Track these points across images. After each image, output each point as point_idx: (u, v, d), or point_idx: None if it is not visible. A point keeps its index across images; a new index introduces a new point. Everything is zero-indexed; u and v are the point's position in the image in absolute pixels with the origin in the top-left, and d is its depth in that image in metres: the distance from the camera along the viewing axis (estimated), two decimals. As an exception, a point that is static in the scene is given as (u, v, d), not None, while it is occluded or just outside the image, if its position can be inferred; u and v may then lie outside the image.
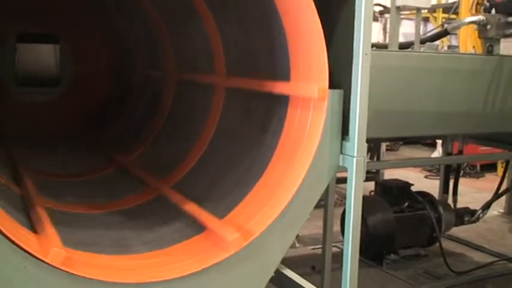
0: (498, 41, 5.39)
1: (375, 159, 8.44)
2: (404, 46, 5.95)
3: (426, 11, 14.06)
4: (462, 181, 10.28)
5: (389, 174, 8.83)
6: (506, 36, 5.40)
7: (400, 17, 13.85)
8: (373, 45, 6.00)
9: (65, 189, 4.24)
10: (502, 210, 8.26)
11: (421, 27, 14.48)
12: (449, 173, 6.52)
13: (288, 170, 3.00)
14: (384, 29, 13.91)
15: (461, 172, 10.57)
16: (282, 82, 3.24)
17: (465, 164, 10.54)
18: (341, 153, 3.19)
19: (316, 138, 2.94)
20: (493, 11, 5.39)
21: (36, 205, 3.04)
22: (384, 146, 8.53)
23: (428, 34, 6.04)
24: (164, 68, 5.21)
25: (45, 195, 3.57)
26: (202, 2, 3.88)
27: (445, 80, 5.00)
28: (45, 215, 2.81)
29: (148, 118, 5.36)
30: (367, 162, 6.32)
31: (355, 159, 3.10)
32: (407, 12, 12.83)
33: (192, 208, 3.30)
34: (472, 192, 9.24)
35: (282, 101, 3.24)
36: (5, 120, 6.43)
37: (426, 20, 14.09)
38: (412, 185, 5.89)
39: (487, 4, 5.47)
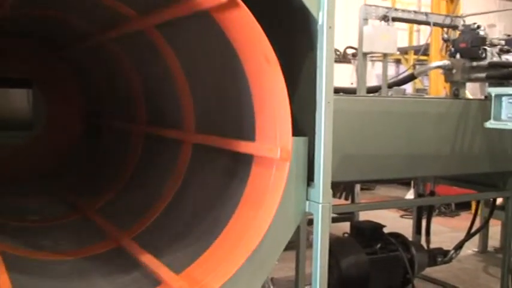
0: (464, 84, 5.55)
1: (350, 199, 8.49)
2: (373, 90, 6.07)
3: (398, 53, 14.39)
4: (437, 220, 10.41)
5: (365, 214, 8.87)
6: (471, 80, 5.55)
7: (373, 59, 14.21)
8: (342, 90, 6.18)
9: (26, 234, 4.21)
10: (476, 249, 8.31)
11: (393, 68, 14.82)
12: (422, 213, 6.58)
13: (253, 217, 3.02)
14: (357, 70, 14.17)
15: (436, 211, 10.72)
16: (247, 142, 3.29)
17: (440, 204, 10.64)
18: (307, 199, 3.23)
19: (279, 192, 2.98)
20: (458, 55, 5.56)
21: None
22: (358, 186, 8.58)
23: (396, 79, 6.17)
24: (135, 120, 5.25)
25: (3, 239, 3.53)
26: (176, 62, 3.95)
27: (413, 123, 5.10)
28: (0, 261, 2.79)
29: (116, 167, 5.36)
30: (340, 205, 6.38)
31: (320, 205, 3.14)
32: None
33: (150, 261, 3.29)
34: (447, 231, 9.30)
35: (247, 158, 3.29)
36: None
37: (398, 61, 14.39)
38: (385, 226, 5.91)
39: (452, 49, 5.64)
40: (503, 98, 3.56)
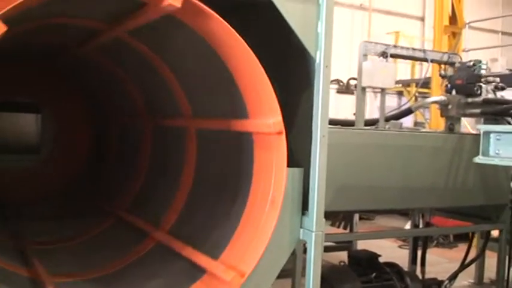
0: (459, 119, 5.73)
1: (348, 229, 8.61)
2: (371, 123, 6.26)
3: (400, 85, 14.63)
4: (435, 251, 10.49)
5: (363, 243, 8.98)
6: (466, 115, 5.74)
7: (376, 90, 14.42)
8: (341, 123, 6.36)
9: (69, 256, 4.42)
10: (472, 281, 8.38)
11: (396, 100, 15.04)
12: (418, 244, 6.71)
13: (252, 239, 3.22)
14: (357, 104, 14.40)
15: (435, 242, 10.81)
16: (243, 120, 3.48)
17: (438, 235, 10.73)
18: (301, 227, 3.39)
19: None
20: (454, 91, 5.76)
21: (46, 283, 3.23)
22: (357, 216, 8.71)
23: (393, 112, 6.37)
24: (140, 118, 5.47)
25: (50, 269, 3.71)
26: (177, 86, 4.17)
27: (409, 156, 5.28)
28: None
29: (130, 170, 5.56)
30: (337, 234, 6.51)
31: (313, 233, 3.30)
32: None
33: (190, 252, 3.53)
34: (444, 262, 9.37)
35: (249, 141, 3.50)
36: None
37: (400, 93, 14.63)
38: (380, 256, 6.04)
39: (449, 85, 5.84)
40: (491, 135, 3.73)
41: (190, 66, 3.93)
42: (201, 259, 3.46)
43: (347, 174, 5.06)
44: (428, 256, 7.03)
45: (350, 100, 14.66)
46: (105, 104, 6.64)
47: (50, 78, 6.83)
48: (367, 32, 15.34)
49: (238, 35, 3.06)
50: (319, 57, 3.30)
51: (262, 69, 3.12)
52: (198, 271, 3.45)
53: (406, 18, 15.73)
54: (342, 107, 13.28)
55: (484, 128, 3.85)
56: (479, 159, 3.80)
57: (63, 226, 5.41)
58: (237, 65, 3.25)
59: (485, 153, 3.77)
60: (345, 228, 8.92)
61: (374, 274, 5.84)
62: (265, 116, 3.24)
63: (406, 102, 12.18)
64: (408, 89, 13.95)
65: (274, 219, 3.21)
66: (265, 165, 3.35)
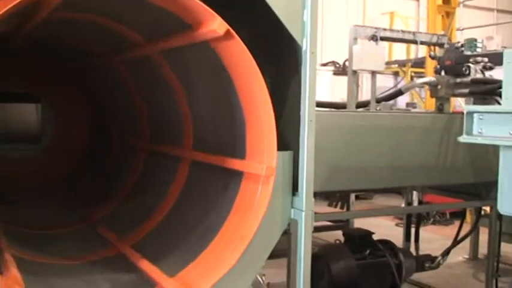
0: (448, 99, 5.87)
1: (345, 208, 8.80)
2: (362, 105, 6.41)
3: (396, 65, 14.74)
4: (431, 229, 10.71)
5: (361, 222, 9.17)
6: (455, 95, 5.89)
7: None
8: (333, 105, 6.51)
9: (36, 241, 4.56)
10: (466, 256, 8.61)
11: (392, 80, 15.14)
12: (411, 221, 6.89)
13: (242, 224, 3.36)
14: (356, 82, 14.50)
15: (431, 220, 11.02)
16: (239, 160, 3.63)
17: (435, 212, 10.93)
18: (292, 207, 3.57)
19: (265, 203, 3.32)
20: (443, 72, 5.90)
21: (4, 251, 3.36)
22: (353, 195, 8.90)
23: (384, 94, 6.51)
24: (139, 136, 5.61)
25: (14, 244, 3.87)
26: (178, 84, 4.31)
27: (399, 136, 5.43)
28: (12, 260, 3.14)
29: (120, 179, 5.70)
30: (333, 213, 6.68)
31: (303, 212, 3.49)
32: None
33: (146, 266, 3.63)
34: (439, 239, 9.58)
35: (238, 173, 3.63)
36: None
37: (396, 74, 14.75)
38: (374, 233, 6.23)
39: (438, 66, 5.98)
40: (475, 115, 3.87)
41: (204, 95, 4.09)
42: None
43: (339, 156, 5.22)
44: (424, 233, 7.24)
45: (346, 82, 14.80)
46: (105, 99, 6.78)
47: (50, 68, 6.97)
48: (362, 14, 15.43)
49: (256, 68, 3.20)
50: (305, 45, 3.44)
51: (272, 115, 3.28)
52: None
53: (400, -1, 15.86)
54: (339, 88, 13.38)
55: (467, 108, 3.99)
56: (463, 138, 3.94)
57: (45, 216, 5.58)
58: (249, 106, 3.40)
59: (469, 133, 3.90)
60: (341, 207, 9.10)
61: (368, 251, 6.04)
62: (260, 158, 3.39)
63: (399, 82, 12.33)
64: (404, 69, 14.07)
65: (267, 198, 3.36)
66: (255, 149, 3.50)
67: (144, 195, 5.10)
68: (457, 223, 11.08)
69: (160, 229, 4.29)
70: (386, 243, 6.28)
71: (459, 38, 12.91)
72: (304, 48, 3.45)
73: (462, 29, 13.75)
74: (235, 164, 3.63)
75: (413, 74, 13.83)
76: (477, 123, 3.89)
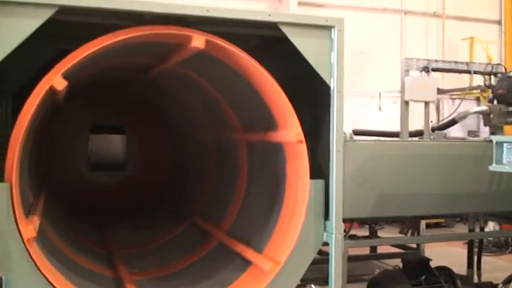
0: (501, 128, 5.98)
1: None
2: (417, 134, 6.62)
3: (479, 90, 14.53)
4: (506, 257, 10.46)
5: (435, 250, 9.19)
6: (507, 123, 5.99)
7: (453, 96, 14.42)
8: (388, 134, 6.77)
9: (148, 257, 5.32)
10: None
11: (474, 105, 14.92)
12: (473, 248, 6.95)
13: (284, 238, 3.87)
14: (437, 108, 14.42)
15: (510, 248, 10.77)
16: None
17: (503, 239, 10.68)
18: (325, 230, 3.93)
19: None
20: (496, 101, 6.03)
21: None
22: (423, 223, 8.96)
23: (439, 124, 6.68)
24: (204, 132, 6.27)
25: (131, 267, 4.60)
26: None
27: (450, 164, 5.61)
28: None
29: (200, 181, 6.36)
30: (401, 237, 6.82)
31: (333, 235, 3.83)
32: (459, 92, 13.43)
33: (241, 248, 4.28)
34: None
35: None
36: (79, 200, 7.51)
37: (477, 99, 14.55)
38: (431, 260, 6.36)
39: (491, 95, 6.11)
40: (504, 144, 4.07)
41: (233, 90, 4.60)
42: (249, 253, 4.14)
43: (389, 183, 5.46)
44: (499, 262, 7.15)
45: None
46: (179, 123, 7.43)
47: (131, 103, 7.71)
48: (441, 39, 15.37)
49: (257, 65, 3.69)
50: (333, 84, 3.83)
51: (280, 90, 3.78)
52: (246, 263, 4.13)
53: (481, 23, 15.60)
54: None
55: (495, 138, 4.19)
56: (493, 167, 4.14)
57: (146, 232, 6.27)
58: (262, 88, 3.90)
59: (498, 162, 4.10)
60: (412, 234, 9.19)
61: (424, 277, 6.20)
62: (288, 127, 3.87)
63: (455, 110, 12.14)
64: (484, 94, 13.85)
65: (300, 222, 3.79)
66: (294, 175, 3.95)
67: (222, 187, 5.69)
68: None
69: (241, 216, 4.97)
70: (444, 270, 6.40)
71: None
72: (331, 87, 3.84)
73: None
74: (273, 136, 4.16)
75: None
76: (507, 153, 4.08)
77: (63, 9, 3.38)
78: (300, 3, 13.52)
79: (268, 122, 4.12)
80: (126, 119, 7.97)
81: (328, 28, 3.83)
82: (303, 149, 3.80)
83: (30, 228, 3.35)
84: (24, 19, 3.28)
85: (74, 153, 7.72)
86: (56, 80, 3.35)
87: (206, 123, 6.01)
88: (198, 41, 3.57)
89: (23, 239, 3.35)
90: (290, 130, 3.83)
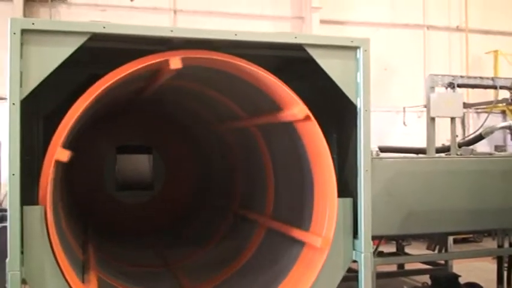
0: (527, 143, 5.95)
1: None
2: (444, 150, 6.60)
3: (504, 104, 14.40)
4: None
5: (462, 266, 9.09)
6: (534, 139, 5.95)
7: (478, 110, 14.29)
8: (414, 150, 6.75)
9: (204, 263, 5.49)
10: None
11: (500, 119, 14.79)
12: (503, 263, 6.87)
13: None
14: (462, 122, 14.34)
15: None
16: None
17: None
18: (353, 249, 3.95)
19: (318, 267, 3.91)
20: (522, 116, 5.99)
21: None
22: (451, 238, 8.88)
23: (466, 139, 6.65)
24: (230, 196, 6.35)
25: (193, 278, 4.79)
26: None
27: (477, 180, 5.60)
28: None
29: (229, 183, 6.48)
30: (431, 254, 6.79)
31: (363, 254, 3.85)
32: (485, 106, 13.33)
33: (289, 230, 4.39)
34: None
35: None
36: (107, 219, 7.60)
37: (503, 113, 14.42)
38: (460, 276, 6.33)
39: (517, 111, 6.08)
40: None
41: (240, 89, 4.67)
42: (298, 233, 4.23)
43: (416, 200, 5.49)
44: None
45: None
46: (208, 157, 7.53)
47: (157, 124, 7.83)
48: (465, 53, 15.31)
49: (253, 67, 3.78)
50: (359, 103, 3.87)
51: (272, 77, 3.84)
52: (298, 244, 4.21)
53: (505, 36, 15.49)
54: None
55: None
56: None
57: (190, 244, 6.34)
58: (260, 81, 4.00)
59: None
60: (440, 250, 9.11)
61: (453, 293, 6.17)
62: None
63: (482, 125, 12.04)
64: (510, 107, 13.73)
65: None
66: (315, 155, 4.04)
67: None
68: None
69: (276, 197, 5.06)
70: (474, 286, 6.36)
71: None
72: (358, 106, 3.87)
73: None
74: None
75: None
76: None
77: (94, 36, 3.49)
78: (322, 21, 13.58)
79: (273, 105, 4.24)
80: (153, 139, 8.08)
81: (354, 49, 3.88)
82: (315, 126, 3.84)
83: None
84: (58, 47, 3.39)
85: (102, 174, 7.83)
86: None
87: (215, 121, 6.15)
88: (175, 62, 3.61)
89: (58, 263, 3.45)
90: (294, 109, 3.89)
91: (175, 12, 12.96)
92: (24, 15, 11.35)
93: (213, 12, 13.00)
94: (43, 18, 11.64)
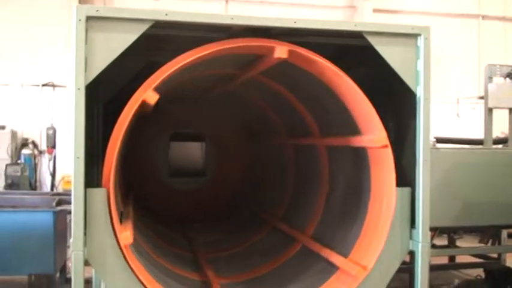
0: None
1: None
2: (498, 142, 6.45)
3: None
4: None
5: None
6: None
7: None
8: (470, 141, 6.62)
9: (233, 261, 5.45)
10: None
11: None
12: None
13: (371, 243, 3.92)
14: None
15: None
16: (357, 136, 4.16)
17: None
18: (410, 239, 3.91)
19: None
20: None
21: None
22: (505, 232, 8.70)
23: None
24: (282, 139, 6.34)
25: (218, 272, 4.72)
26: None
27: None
28: None
29: (278, 186, 6.45)
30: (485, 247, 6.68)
31: (420, 244, 3.81)
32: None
33: (327, 253, 4.31)
34: None
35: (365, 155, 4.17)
36: (160, 206, 7.74)
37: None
38: (515, 270, 6.20)
39: None
40: None
41: (314, 97, 4.66)
42: (335, 258, 4.18)
43: (473, 191, 5.41)
44: None
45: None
46: (256, 130, 7.55)
47: (211, 111, 7.89)
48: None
49: (341, 72, 3.74)
50: (419, 92, 3.82)
51: (364, 96, 3.78)
52: (332, 267, 4.17)
53: None
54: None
55: None
56: None
57: (229, 237, 6.40)
58: (345, 95, 3.95)
59: None
60: (493, 244, 8.93)
61: (508, 287, 6.04)
62: (372, 132, 3.88)
63: None
64: None
65: (386, 228, 3.81)
66: (379, 181, 3.97)
67: (302, 192, 5.78)
68: None
69: (324, 220, 5.02)
70: (529, 280, 6.21)
71: None
72: (418, 95, 3.82)
73: None
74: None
75: None
76: None
77: (156, 24, 3.54)
78: (374, 10, 13.41)
79: (351, 127, 4.16)
80: (205, 127, 8.16)
81: (415, 36, 3.83)
82: (389, 154, 3.79)
83: (127, 234, 3.51)
84: (122, 34, 3.46)
85: (155, 161, 7.96)
86: (148, 94, 3.51)
87: (283, 129, 6.10)
88: (281, 51, 3.65)
89: (119, 245, 3.52)
90: (374, 134, 3.85)
91: (226, 1, 13.03)
92: (79, 3, 11.59)
93: (264, 2, 13.01)
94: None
